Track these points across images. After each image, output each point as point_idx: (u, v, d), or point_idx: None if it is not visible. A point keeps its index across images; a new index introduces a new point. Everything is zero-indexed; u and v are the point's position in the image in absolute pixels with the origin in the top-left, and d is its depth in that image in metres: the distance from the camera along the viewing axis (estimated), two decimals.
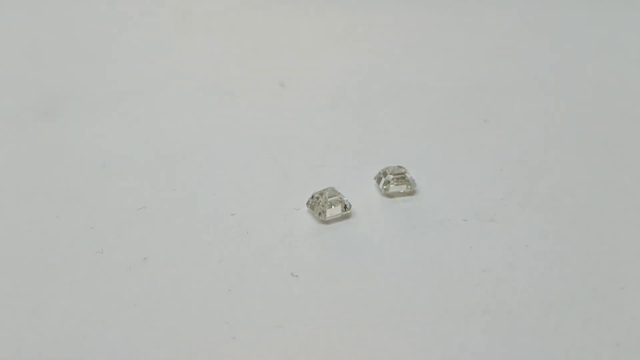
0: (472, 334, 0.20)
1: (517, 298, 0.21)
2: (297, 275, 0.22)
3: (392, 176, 0.26)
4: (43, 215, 0.26)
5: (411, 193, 0.27)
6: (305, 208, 0.26)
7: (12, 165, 0.29)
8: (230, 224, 0.25)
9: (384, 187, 0.26)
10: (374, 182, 0.27)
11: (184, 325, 0.20)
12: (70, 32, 0.46)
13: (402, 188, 0.26)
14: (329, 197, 0.25)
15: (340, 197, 0.25)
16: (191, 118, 0.34)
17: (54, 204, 0.26)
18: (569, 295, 0.22)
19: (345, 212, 0.25)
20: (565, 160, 0.29)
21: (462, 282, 0.22)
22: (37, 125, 0.33)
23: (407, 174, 0.27)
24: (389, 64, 0.40)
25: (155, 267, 0.23)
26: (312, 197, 0.25)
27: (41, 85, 0.38)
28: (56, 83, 0.38)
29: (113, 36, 0.45)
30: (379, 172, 0.27)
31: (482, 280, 0.22)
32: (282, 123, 0.33)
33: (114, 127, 0.33)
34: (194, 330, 0.20)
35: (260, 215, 0.25)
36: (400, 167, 0.27)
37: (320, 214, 0.25)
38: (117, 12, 0.49)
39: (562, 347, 0.20)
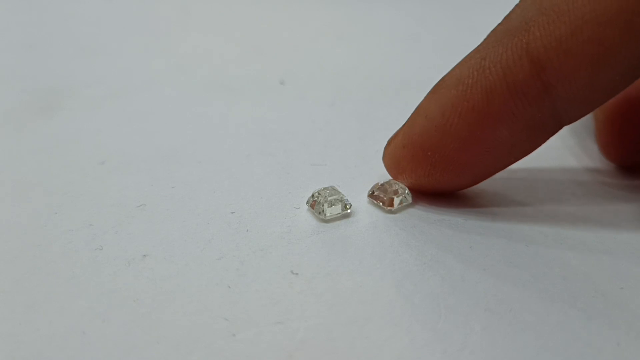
0: (472, 332, 0.20)
1: (518, 297, 0.21)
2: (297, 273, 0.22)
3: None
4: (42, 211, 0.25)
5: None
6: (305, 207, 0.26)
7: (10, 161, 0.29)
8: (230, 222, 0.25)
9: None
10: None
11: (183, 322, 0.20)
12: (69, 27, 0.46)
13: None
14: (329, 196, 0.25)
15: (340, 196, 0.25)
16: (191, 115, 0.34)
17: (53, 201, 0.26)
18: (570, 294, 0.22)
19: (345, 211, 0.25)
20: (565, 158, 0.29)
21: (462, 281, 0.22)
22: (36, 121, 0.33)
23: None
24: (389, 62, 0.40)
25: (155, 264, 0.23)
26: (312, 195, 0.25)
27: (40, 81, 0.38)
28: (55, 79, 0.38)
29: (113, 32, 0.45)
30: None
31: (482, 279, 0.22)
32: (282, 121, 0.33)
33: (113, 123, 0.33)
34: (194, 327, 0.20)
35: (260, 213, 0.25)
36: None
37: (320, 212, 0.25)
38: (116, 8, 0.49)
39: (562, 346, 0.20)
